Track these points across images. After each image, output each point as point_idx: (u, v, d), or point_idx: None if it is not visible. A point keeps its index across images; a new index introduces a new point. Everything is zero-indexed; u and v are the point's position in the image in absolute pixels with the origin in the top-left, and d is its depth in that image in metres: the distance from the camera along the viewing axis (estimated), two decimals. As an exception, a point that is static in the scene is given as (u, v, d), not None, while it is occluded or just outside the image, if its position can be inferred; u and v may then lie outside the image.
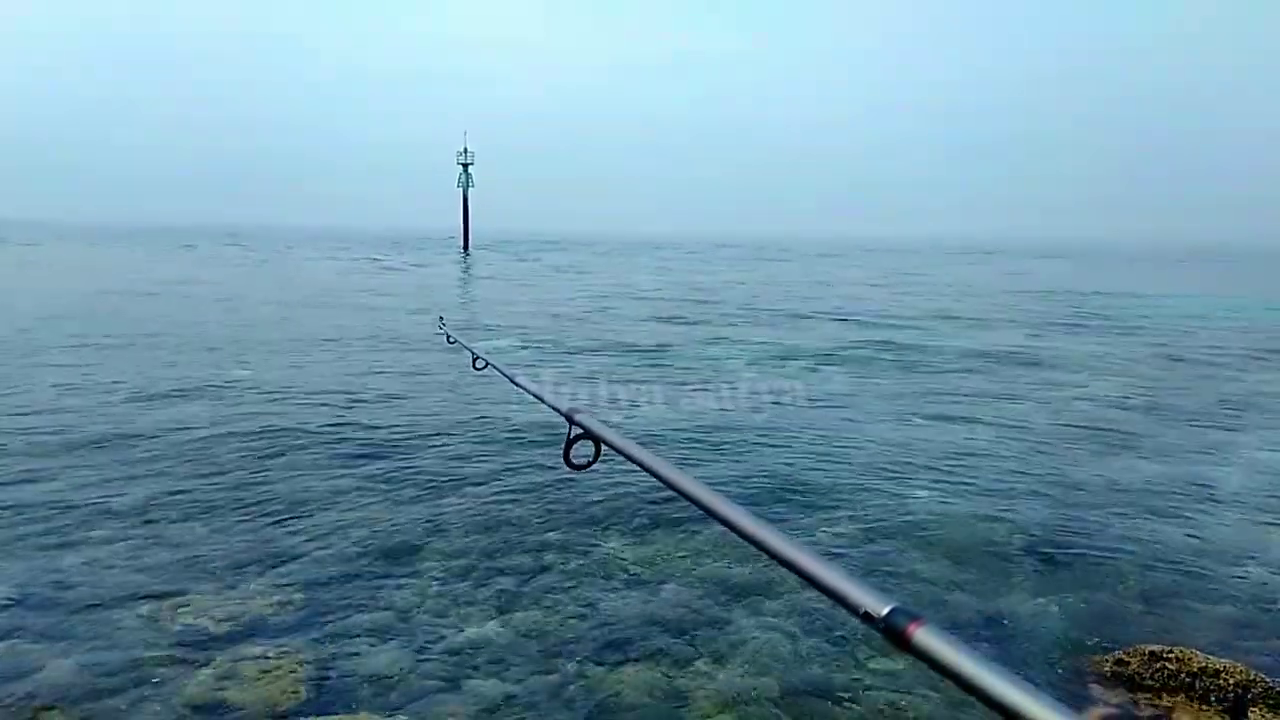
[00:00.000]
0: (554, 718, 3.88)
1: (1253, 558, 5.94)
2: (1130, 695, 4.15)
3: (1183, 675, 4.22)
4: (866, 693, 4.11)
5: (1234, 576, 5.63)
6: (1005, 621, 4.90)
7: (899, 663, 4.25)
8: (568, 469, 1.66)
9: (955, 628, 4.69)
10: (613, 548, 5.80)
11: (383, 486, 6.97)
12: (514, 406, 9.33)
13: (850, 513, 6.62)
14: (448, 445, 8.36)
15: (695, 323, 20.30)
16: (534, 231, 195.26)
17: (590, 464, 1.62)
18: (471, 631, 4.58)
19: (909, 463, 8.12)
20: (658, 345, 15.89)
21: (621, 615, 4.82)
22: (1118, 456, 8.59)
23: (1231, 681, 4.15)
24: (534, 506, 6.58)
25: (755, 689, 4.12)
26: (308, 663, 4.19)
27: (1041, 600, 5.17)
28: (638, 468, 1.37)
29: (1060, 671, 4.39)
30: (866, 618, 0.85)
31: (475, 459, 7.84)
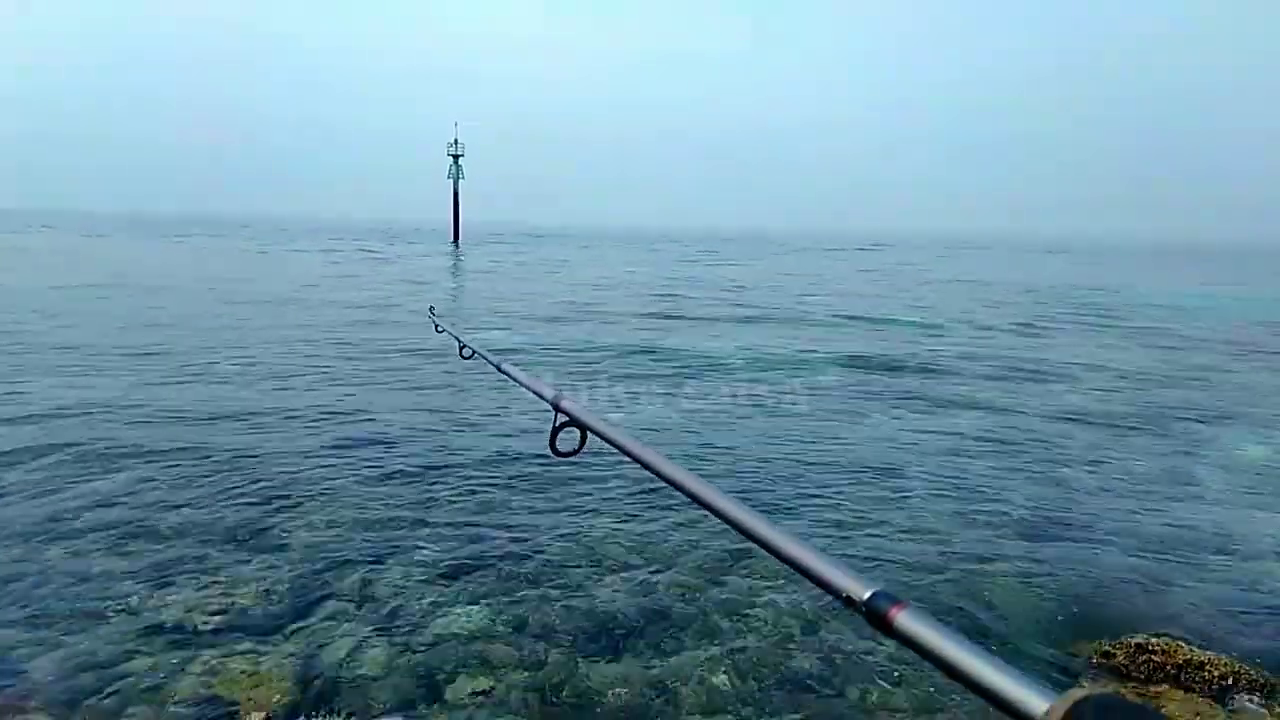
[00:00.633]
0: (541, 709, 3.88)
1: (1238, 548, 5.99)
2: (1117, 686, 4.17)
3: (1168, 667, 4.25)
4: (849, 678, 4.13)
5: (1222, 565, 5.68)
6: (992, 612, 4.92)
7: (883, 647, 4.27)
8: (554, 456, 1.65)
9: (942, 618, 4.71)
10: (599, 536, 5.80)
11: (371, 475, 6.94)
12: (501, 395, 9.35)
13: (838, 502, 6.64)
14: (435, 433, 8.35)
15: (686, 317, 20.30)
16: (533, 226, 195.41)
17: (576, 451, 1.61)
18: (459, 623, 4.57)
19: (898, 453, 8.15)
20: (647, 339, 15.88)
21: (608, 604, 4.82)
22: (1107, 448, 8.65)
23: (1216, 674, 4.18)
24: (521, 495, 6.58)
25: (740, 676, 4.12)
26: (293, 655, 4.17)
27: (1028, 591, 5.19)
28: (624, 455, 1.37)
29: (1047, 661, 4.42)
30: (849, 602, 0.84)
31: (462, 448, 7.83)
